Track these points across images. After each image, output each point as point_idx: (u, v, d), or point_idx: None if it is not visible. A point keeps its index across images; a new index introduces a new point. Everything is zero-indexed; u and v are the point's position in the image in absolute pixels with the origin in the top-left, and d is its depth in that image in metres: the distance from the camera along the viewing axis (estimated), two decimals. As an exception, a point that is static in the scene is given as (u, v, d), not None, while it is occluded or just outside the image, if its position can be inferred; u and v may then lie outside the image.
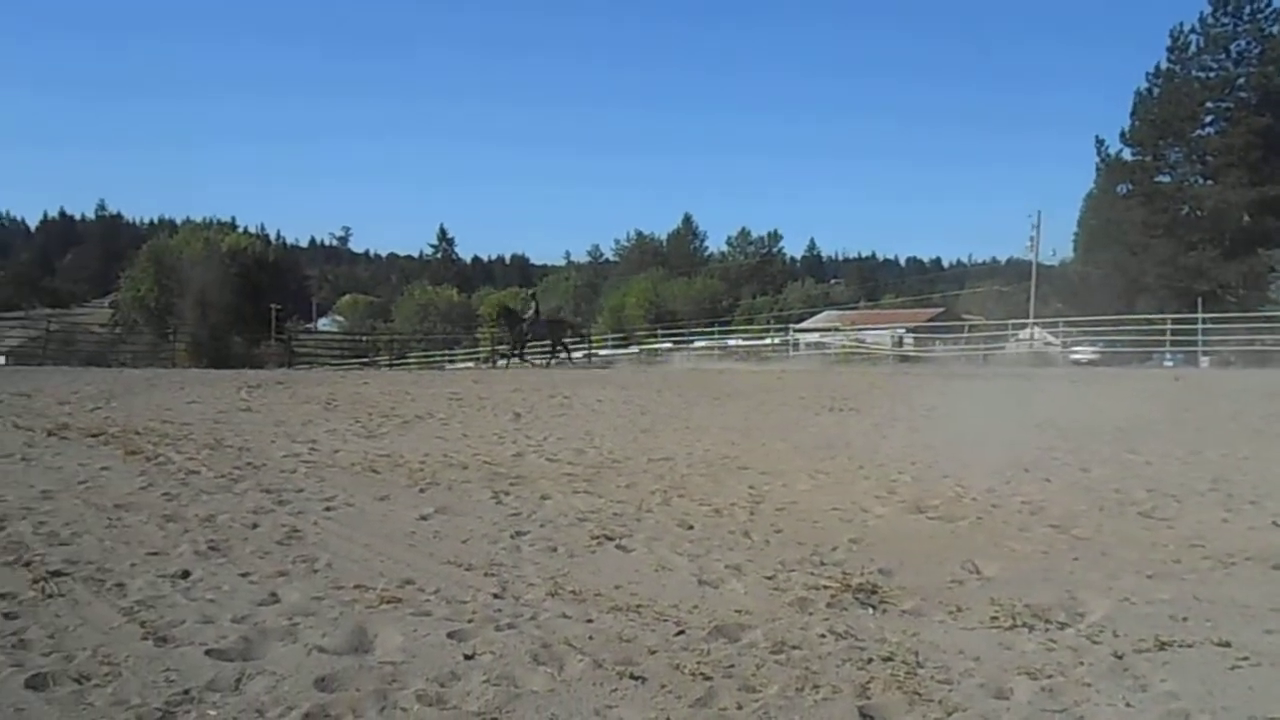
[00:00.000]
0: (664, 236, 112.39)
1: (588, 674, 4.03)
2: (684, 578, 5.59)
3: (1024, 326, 41.71)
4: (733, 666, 4.14)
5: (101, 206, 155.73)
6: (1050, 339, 38.55)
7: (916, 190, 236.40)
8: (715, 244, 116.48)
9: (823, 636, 4.53)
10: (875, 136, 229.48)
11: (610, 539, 6.53)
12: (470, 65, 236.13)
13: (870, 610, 4.97)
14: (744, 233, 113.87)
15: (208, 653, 4.22)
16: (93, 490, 7.90)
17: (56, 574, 5.42)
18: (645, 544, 6.40)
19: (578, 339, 33.95)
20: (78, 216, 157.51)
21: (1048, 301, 51.58)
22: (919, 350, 41.82)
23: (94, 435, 10.93)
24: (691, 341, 43.60)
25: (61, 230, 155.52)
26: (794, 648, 4.37)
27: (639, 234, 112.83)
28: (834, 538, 6.59)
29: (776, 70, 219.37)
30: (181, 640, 4.38)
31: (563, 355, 30.07)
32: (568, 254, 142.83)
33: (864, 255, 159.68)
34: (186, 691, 3.80)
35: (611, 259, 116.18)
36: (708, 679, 3.99)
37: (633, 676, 3.99)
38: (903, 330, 50.44)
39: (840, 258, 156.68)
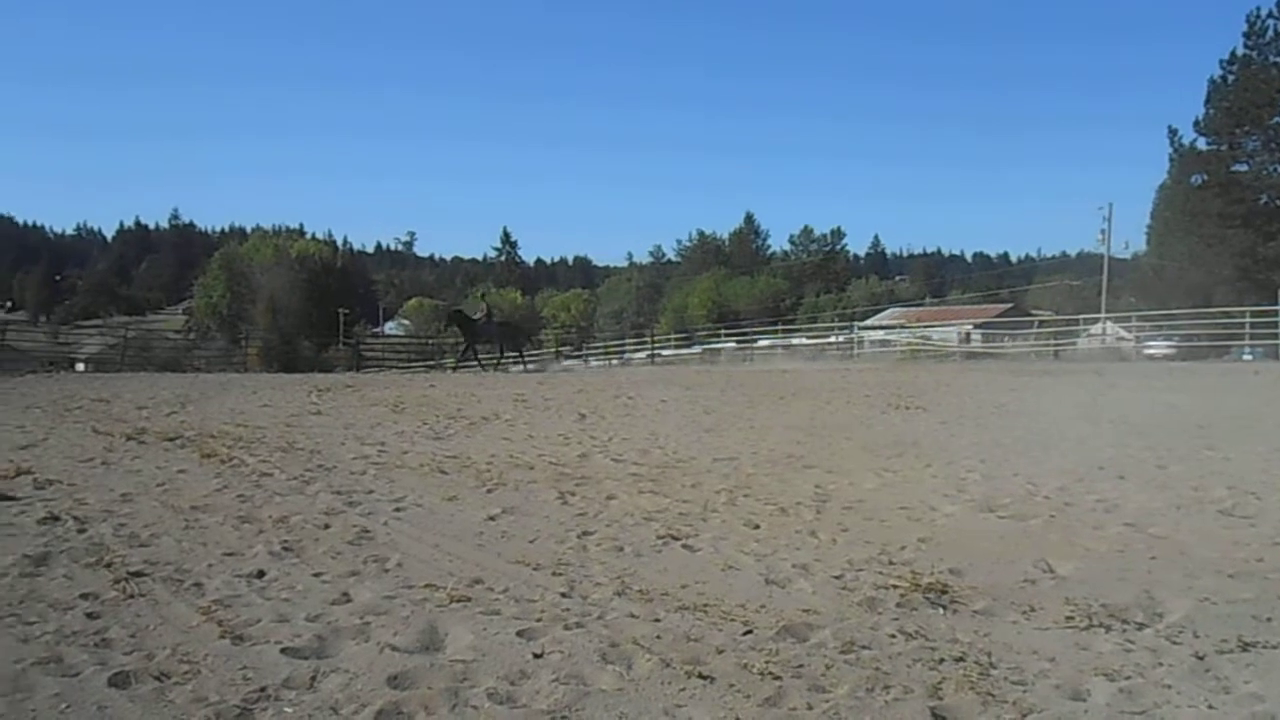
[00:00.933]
0: (726, 236, 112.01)
1: (656, 673, 4.04)
2: (751, 577, 5.57)
3: (1096, 321, 40.81)
4: (802, 666, 4.11)
5: (175, 216, 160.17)
6: (1123, 334, 37.65)
7: (983, 186, 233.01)
8: (777, 242, 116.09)
9: (893, 637, 4.49)
10: (939, 137, 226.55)
11: (676, 538, 6.52)
12: (534, 67, 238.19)
13: (941, 610, 4.91)
14: (806, 230, 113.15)
15: (283, 651, 4.30)
16: (170, 493, 8.10)
17: (137, 574, 5.57)
18: (711, 543, 6.39)
19: (527, 343, 33.55)
20: (152, 226, 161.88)
21: (1120, 295, 50.51)
22: (987, 347, 41.15)
23: (171, 439, 11.20)
24: (754, 340, 43.37)
25: (137, 240, 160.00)
26: (864, 648, 4.33)
27: (701, 234, 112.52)
28: (902, 537, 6.52)
29: (839, 74, 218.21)
30: (258, 639, 4.47)
31: (513, 357, 29.92)
32: (630, 255, 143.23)
33: (929, 251, 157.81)
34: (263, 689, 3.88)
35: (673, 259, 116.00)
36: (776, 679, 3.97)
37: (701, 676, 3.99)
38: (970, 327, 49.66)
39: (905, 254, 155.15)
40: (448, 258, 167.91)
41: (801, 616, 4.78)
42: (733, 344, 43.70)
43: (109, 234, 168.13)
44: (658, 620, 4.73)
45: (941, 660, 4.18)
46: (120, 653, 4.29)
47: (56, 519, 7.00)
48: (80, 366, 35.36)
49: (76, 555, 6.01)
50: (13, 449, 10.38)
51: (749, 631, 4.55)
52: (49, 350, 45.84)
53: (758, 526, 6.88)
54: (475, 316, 28.61)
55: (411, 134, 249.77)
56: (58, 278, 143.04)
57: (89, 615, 4.83)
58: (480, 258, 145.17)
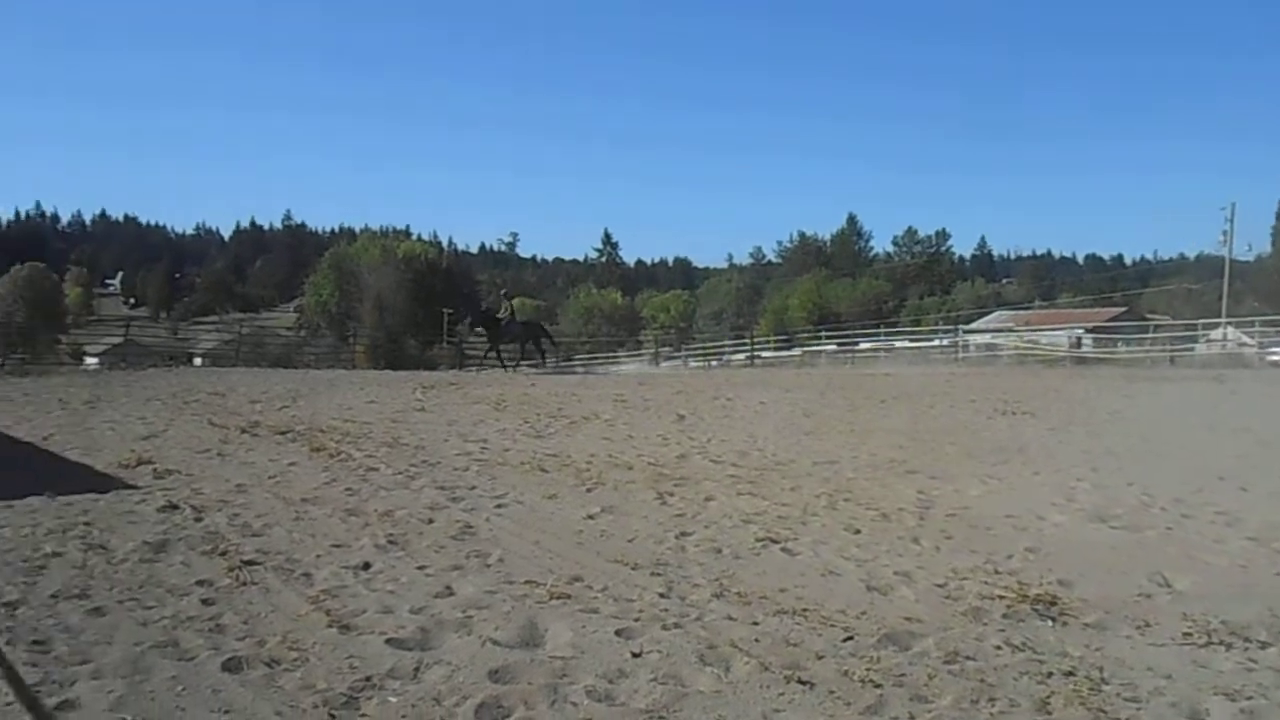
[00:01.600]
0: (827, 237, 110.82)
1: (754, 676, 4.01)
2: (851, 583, 5.49)
3: (1215, 326, 39.14)
4: (904, 675, 4.04)
5: (288, 216, 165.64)
6: (1245, 339, 36.03)
7: (1095, 185, 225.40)
8: (880, 244, 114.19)
9: (999, 648, 4.38)
10: (1047, 134, 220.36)
11: (775, 541, 6.47)
12: (635, 68, 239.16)
13: (1049, 622, 4.77)
14: (910, 232, 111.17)
15: (388, 641, 4.40)
16: (281, 484, 8.36)
17: (249, 563, 5.76)
18: (811, 547, 6.32)
19: (550, 342, 32.94)
20: (266, 226, 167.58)
21: (1242, 300, 48.40)
22: (1099, 352, 39.85)
23: (282, 433, 11.56)
24: (856, 343, 42.81)
25: (252, 239, 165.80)
26: (968, 658, 4.23)
27: (802, 235, 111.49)
28: (1009, 546, 6.35)
29: (946, 79, 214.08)
30: (363, 629, 4.58)
31: (535, 357, 29.53)
32: (730, 256, 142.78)
33: (1038, 253, 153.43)
34: (368, 678, 3.97)
35: (774, 260, 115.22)
36: (878, 687, 3.90)
37: (800, 681, 3.95)
38: (1081, 331, 48.14)
39: (1012, 256, 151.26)
40: (549, 258, 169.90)
41: (904, 624, 4.69)
42: (833, 346, 43.16)
43: (226, 234, 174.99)
44: (756, 623, 4.70)
45: (1050, 674, 4.06)
46: (233, 638, 4.45)
47: (175, 507, 7.30)
48: (198, 361, 36.71)
49: (193, 543, 6.25)
50: (135, 439, 10.85)
51: (850, 638, 4.49)
52: (169, 345, 47.90)
53: (858, 531, 6.78)
54: (499, 316, 28.53)
55: (517, 134, 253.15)
56: (178, 276, 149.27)
57: (204, 601, 5.01)
58: (581, 258, 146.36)
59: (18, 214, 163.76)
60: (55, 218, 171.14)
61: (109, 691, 3.80)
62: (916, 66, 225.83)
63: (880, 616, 4.83)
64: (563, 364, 33.32)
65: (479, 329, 29.90)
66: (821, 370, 30.07)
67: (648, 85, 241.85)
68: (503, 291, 33.77)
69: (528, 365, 29.02)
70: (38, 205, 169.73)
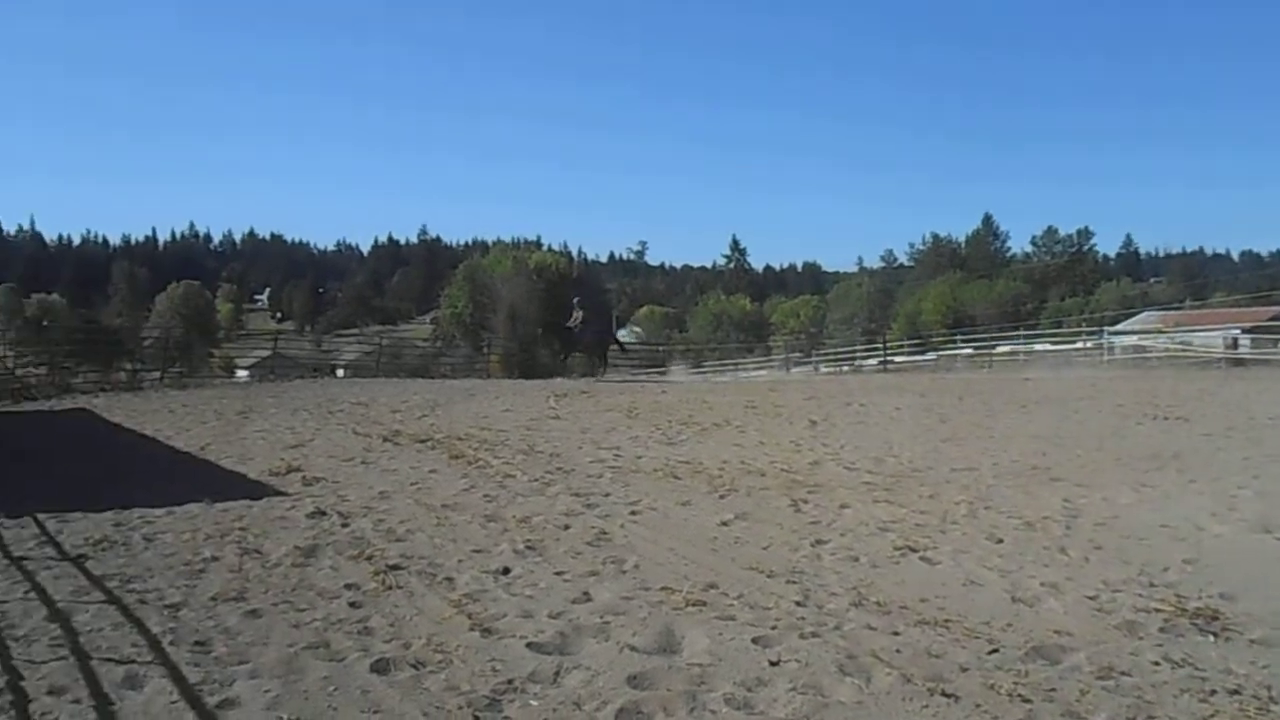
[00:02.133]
0: (962, 238, 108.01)
1: (896, 688, 3.93)
2: (995, 594, 5.33)
3: (1387, 324, 36.67)
4: (1054, 690, 3.90)
5: (423, 231, 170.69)
6: None
7: (1251, 176, 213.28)
8: (1018, 244, 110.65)
9: (1156, 664, 4.18)
10: (1198, 122, 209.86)
11: (914, 550, 6.34)
12: (767, 76, 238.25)
13: (1211, 638, 4.53)
14: (1050, 231, 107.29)
15: (528, 645, 4.48)
16: (423, 491, 8.60)
17: (394, 567, 5.95)
18: (951, 556, 6.16)
19: (622, 349, 31.14)
20: (403, 241, 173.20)
21: None
22: (1258, 353, 37.75)
23: (422, 441, 11.89)
24: (993, 347, 41.57)
25: (390, 254, 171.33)
26: (1123, 674, 4.06)
27: (935, 237, 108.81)
28: (1164, 557, 6.06)
29: (1086, 56, 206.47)
30: (504, 633, 4.67)
31: (600, 369, 27.93)
32: (860, 259, 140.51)
33: (1188, 250, 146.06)
34: (510, 681, 4.05)
35: (906, 263, 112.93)
36: (1026, 701, 3.78)
37: (944, 694, 3.85)
38: (1237, 331, 45.71)
39: (1160, 254, 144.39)
40: (678, 265, 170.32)
41: (1052, 638, 4.53)
42: (969, 350, 42.01)
43: (365, 249, 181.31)
44: (896, 634, 4.60)
45: (1213, 692, 3.86)
46: (380, 640, 4.59)
47: (323, 514, 7.59)
48: (340, 372, 38.13)
49: (340, 548, 6.49)
50: (284, 448, 11.32)
51: (995, 650, 4.36)
52: (314, 357, 49.91)
53: (1001, 541, 6.58)
54: (569, 325, 27.36)
55: (644, 140, 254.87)
56: (321, 291, 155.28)
57: (352, 604, 5.20)
58: (709, 265, 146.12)
59: (173, 234, 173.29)
60: (208, 238, 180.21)
61: (266, 691, 3.97)
62: (1048, 76, 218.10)
63: (1027, 629, 4.67)
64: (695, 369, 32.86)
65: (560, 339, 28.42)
66: (958, 375, 29.29)
67: (779, 93, 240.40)
68: (575, 300, 32.84)
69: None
70: (192, 226, 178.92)
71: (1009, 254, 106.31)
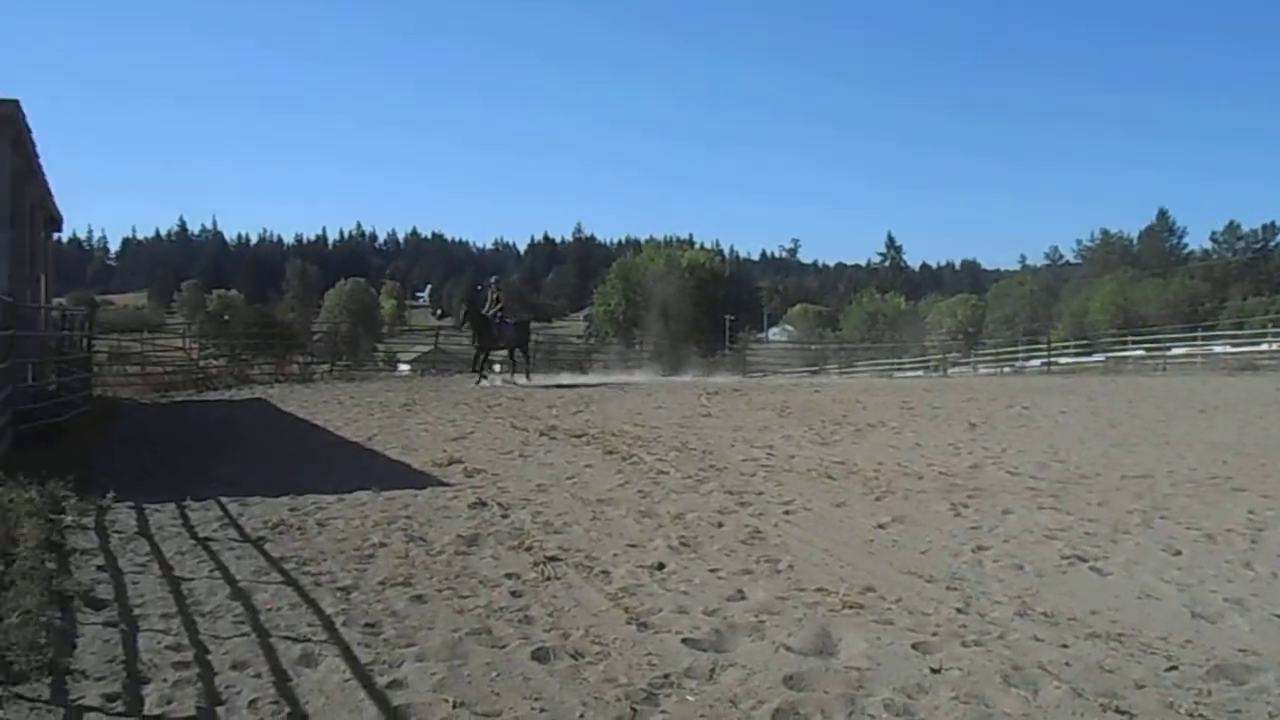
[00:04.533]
0: (1134, 235, 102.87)
1: (1065, 702, 3.78)
2: (1173, 608, 5.07)
3: None
4: (1239, 712, 3.69)
5: (578, 229, 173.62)
6: None
7: None
8: (1196, 240, 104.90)
9: (1354, 689, 3.90)
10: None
11: (1083, 560, 6.08)
12: (929, 70, 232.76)
13: None
14: (1232, 226, 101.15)
15: (684, 641, 4.50)
16: (579, 485, 8.75)
17: (552, 559, 6.08)
18: (1124, 568, 5.89)
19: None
20: (558, 239, 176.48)
21: None
22: None
23: (577, 436, 12.09)
24: (1167, 349, 39.48)
25: (545, 252, 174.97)
26: (1317, 698, 3.80)
27: (1105, 233, 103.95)
28: (1366, 575, 5.65)
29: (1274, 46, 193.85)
30: (660, 627, 4.71)
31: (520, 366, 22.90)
32: (1022, 257, 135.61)
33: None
34: (666, 676, 4.08)
35: (1072, 261, 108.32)
36: (1208, 722, 3.58)
37: (1118, 710, 3.69)
38: None
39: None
40: (831, 264, 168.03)
41: (1237, 656, 4.28)
42: (1141, 352, 39.97)
43: (521, 247, 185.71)
44: (1065, 646, 4.43)
45: None
46: (540, 630, 4.70)
47: (484, 504, 7.81)
48: (497, 368, 39.02)
49: (501, 538, 6.67)
50: (446, 440, 11.71)
51: (1173, 667, 4.14)
52: (471, 353, 51.37)
53: (1178, 553, 6.25)
54: (486, 313, 22.23)
55: (801, 135, 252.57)
56: (479, 288, 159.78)
57: (513, 593, 5.33)
58: (864, 263, 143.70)
59: (342, 234, 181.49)
60: (373, 236, 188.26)
61: (432, 674, 4.11)
62: (1232, 65, 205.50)
63: (1208, 646, 4.43)
64: (846, 369, 31.85)
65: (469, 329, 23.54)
66: (1128, 377, 27.94)
67: (938, 87, 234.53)
68: (492, 279, 26.54)
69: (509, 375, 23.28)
70: (358, 225, 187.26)
71: (1185, 251, 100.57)
